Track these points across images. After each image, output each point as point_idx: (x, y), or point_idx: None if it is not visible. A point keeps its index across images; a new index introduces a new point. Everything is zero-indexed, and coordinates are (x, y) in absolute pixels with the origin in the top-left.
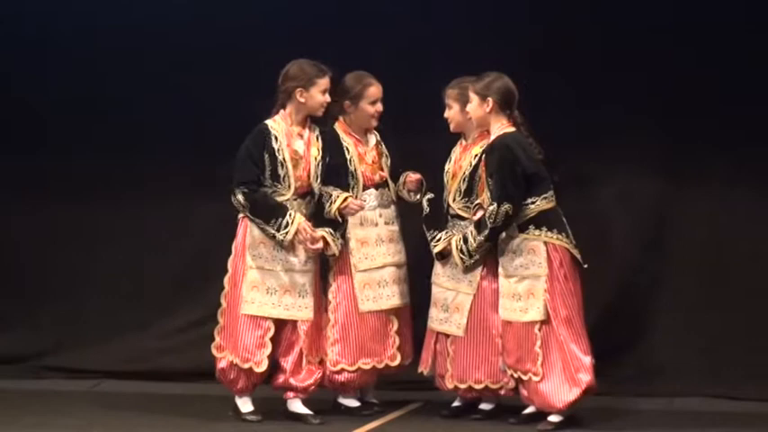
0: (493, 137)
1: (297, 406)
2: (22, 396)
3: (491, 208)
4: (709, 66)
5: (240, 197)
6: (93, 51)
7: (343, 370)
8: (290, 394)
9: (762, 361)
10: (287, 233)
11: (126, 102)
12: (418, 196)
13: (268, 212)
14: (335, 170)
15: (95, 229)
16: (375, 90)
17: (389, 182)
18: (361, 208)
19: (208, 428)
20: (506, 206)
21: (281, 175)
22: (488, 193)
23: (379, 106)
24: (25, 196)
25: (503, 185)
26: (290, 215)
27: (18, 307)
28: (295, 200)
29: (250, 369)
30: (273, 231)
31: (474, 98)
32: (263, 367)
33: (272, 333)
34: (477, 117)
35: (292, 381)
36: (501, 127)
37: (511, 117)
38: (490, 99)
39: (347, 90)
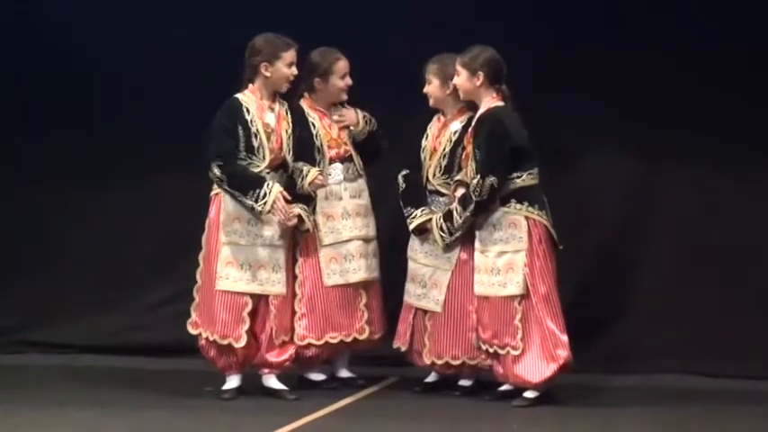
0: (482, 110)
1: (272, 382)
2: None
3: (475, 181)
4: (689, 47)
5: (216, 170)
6: (76, 35)
7: (310, 345)
8: (265, 370)
9: (737, 339)
10: (265, 203)
11: (102, 82)
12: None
13: (246, 184)
14: (304, 145)
15: (70, 207)
16: (343, 64)
17: (354, 156)
18: (324, 184)
19: (182, 403)
20: (491, 179)
21: (256, 147)
22: (473, 165)
23: (349, 80)
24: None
25: (489, 159)
26: (267, 185)
27: None
28: (268, 173)
29: (229, 345)
30: (251, 203)
31: (462, 72)
32: (242, 342)
33: (249, 308)
34: (466, 90)
35: (267, 357)
36: (490, 101)
37: (500, 91)
38: (480, 73)
39: (315, 67)
